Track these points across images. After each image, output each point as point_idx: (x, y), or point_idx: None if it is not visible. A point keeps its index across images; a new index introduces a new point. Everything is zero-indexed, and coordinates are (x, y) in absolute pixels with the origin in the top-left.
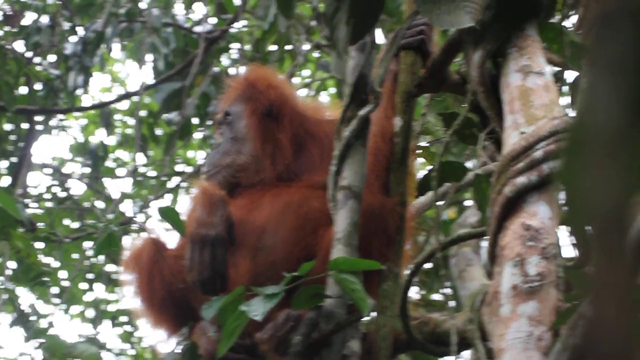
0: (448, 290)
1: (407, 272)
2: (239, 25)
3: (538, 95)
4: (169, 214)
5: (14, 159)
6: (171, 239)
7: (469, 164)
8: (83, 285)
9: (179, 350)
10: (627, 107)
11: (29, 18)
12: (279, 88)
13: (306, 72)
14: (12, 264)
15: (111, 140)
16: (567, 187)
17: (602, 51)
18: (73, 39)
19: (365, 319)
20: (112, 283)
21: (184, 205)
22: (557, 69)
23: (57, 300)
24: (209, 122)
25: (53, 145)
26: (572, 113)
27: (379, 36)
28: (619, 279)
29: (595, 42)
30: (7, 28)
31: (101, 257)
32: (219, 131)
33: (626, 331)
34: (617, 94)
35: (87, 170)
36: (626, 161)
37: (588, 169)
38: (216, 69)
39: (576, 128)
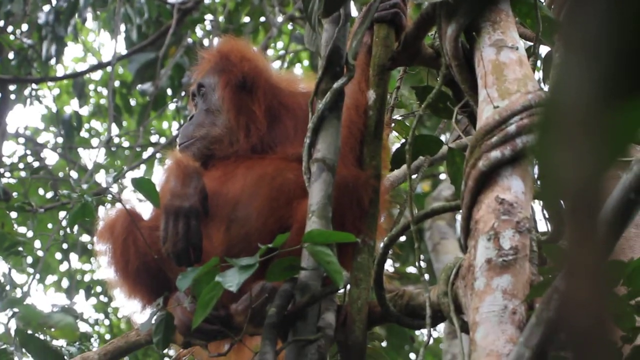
0: (422, 264)
1: (381, 245)
2: None
3: (511, 69)
4: (143, 185)
5: None
6: (146, 210)
7: (443, 138)
8: (58, 255)
9: (154, 320)
10: (598, 86)
11: None
12: (252, 60)
13: (280, 44)
14: None
15: (85, 111)
16: (540, 163)
17: (573, 29)
18: (46, 8)
19: (340, 291)
20: (86, 253)
21: (158, 176)
22: (530, 43)
23: (31, 270)
24: (183, 93)
25: (26, 114)
26: (545, 87)
27: (353, 9)
28: (591, 256)
29: (567, 19)
30: None
31: (76, 227)
32: (193, 103)
33: (598, 307)
34: (588, 73)
35: (61, 140)
36: (597, 139)
37: (560, 146)
38: (190, 40)
39: (548, 105)
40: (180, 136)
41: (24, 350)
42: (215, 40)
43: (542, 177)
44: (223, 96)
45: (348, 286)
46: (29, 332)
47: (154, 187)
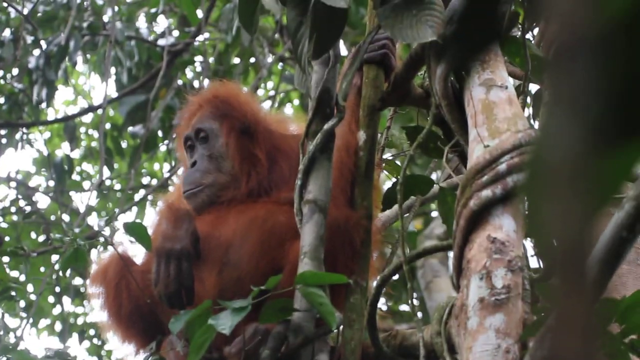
0: (415, 302)
1: (374, 285)
2: (202, 38)
3: (501, 108)
4: (135, 230)
5: None
6: (138, 253)
7: (433, 177)
8: (51, 299)
9: None
10: (585, 135)
11: None
12: (250, 104)
13: (270, 85)
14: None
15: (76, 154)
16: (530, 205)
17: (560, 82)
18: (36, 52)
19: (334, 332)
20: (79, 296)
21: (150, 218)
22: (519, 81)
23: (24, 314)
24: (174, 135)
25: (18, 158)
26: (535, 125)
27: (342, 49)
28: (580, 307)
29: (553, 72)
30: None
31: (68, 271)
32: (185, 146)
33: (589, 356)
34: (575, 122)
35: (52, 183)
36: (585, 189)
37: (547, 196)
38: (180, 82)
39: (536, 153)
40: (186, 183)
41: None
42: (206, 82)
43: (531, 218)
44: (227, 142)
45: (341, 327)
46: None
47: (145, 231)
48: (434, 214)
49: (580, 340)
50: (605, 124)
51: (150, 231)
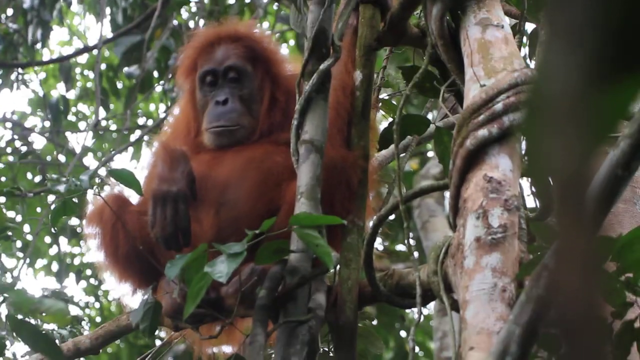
0: (412, 241)
1: (370, 224)
2: None
3: (497, 48)
4: (122, 176)
5: None
6: (133, 194)
7: (429, 116)
8: (47, 239)
9: (142, 309)
10: (584, 70)
11: None
12: (276, 48)
13: (266, 25)
14: None
15: (71, 94)
16: (528, 142)
17: (559, 16)
18: None
19: (330, 272)
20: (76, 236)
21: (145, 158)
22: (515, 21)
23: (21, 254)
24: (170, 75)
25: (13, 99)
26: (531, 65)
27: None
28: (580, 238)
29: (552, 7)
30: None
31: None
32: (207, 80)
33: (588, 289)
34: (574, 57)
35: (48, 124)
36: (584, 123)
37: (547, 131)
38: (175, 22)
39: (535, 89)
40: (221, 119)
41: (15, 335)
42: (201, 22)
43: (530, 155)
44: (261, 87)
45: (338, 267)
46: (20, 317)
47: (133, 176)
48: (430, 153)
49: (580, 274)
50: (604, 59)
51: (145, 172)
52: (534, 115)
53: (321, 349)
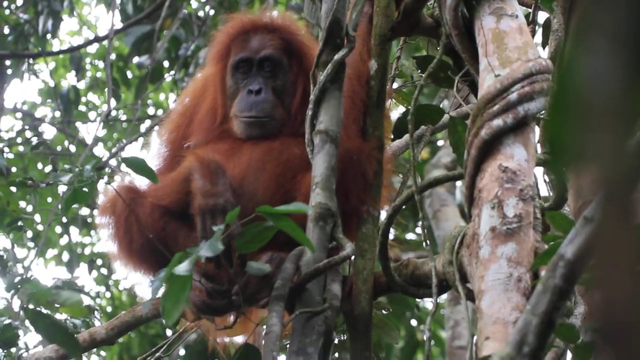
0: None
1: (385, 214)
2: None
3: (512, 37)
4: (135, 164)
5: None
6: (144, 182)
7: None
8: (58, 229)
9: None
10: (625, 71)
11: None
12: (309, 42)
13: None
14: None
15: (82, 84)
16: (551, 137)
17: (601, 12)
18: None
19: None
20: (87, 226)
21: (155, 148)
22: (529, 10)
23: (32, 244)
24: (180, 66)
25: (24, 89)
26: (544, 54)
27: None
28: (628, 242)
29: (594, 6)
30: None
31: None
32: (240, 68)
33: (636, 294)
34: (615, 58)
35: (59, 114)
36: (628, 122)
37: (590, 133)
38: (185, 12)
39: (565, 86)
40: (253, 109)
41: (29, 326)
42: (211, 12)
43: (551, 148)
44: (296, 81)
45: (353, 257)
46: (35, 308)
47: (145, 164)
48: (440, 142)
49: (627, 277)
50: None
51: (150, 163)
52: (560, 109)
53: (336, 339)
